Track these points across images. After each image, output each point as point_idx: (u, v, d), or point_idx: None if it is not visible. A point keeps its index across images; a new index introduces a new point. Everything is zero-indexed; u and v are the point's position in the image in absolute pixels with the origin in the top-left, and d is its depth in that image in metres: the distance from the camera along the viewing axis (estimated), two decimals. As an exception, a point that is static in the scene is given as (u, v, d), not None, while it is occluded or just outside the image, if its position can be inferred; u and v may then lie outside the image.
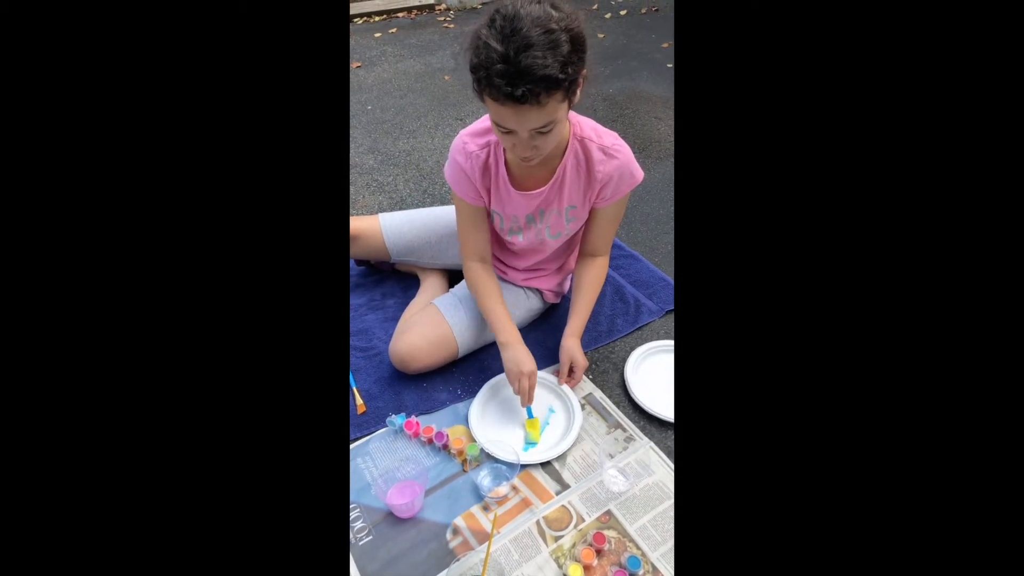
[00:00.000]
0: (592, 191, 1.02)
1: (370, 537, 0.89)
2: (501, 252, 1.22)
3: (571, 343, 1.08)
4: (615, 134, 1.01)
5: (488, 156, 1.01)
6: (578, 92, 0.84)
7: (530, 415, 1.03)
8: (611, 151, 0.99)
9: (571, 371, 1.08)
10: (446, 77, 2.66)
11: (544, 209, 1.05)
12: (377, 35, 3.28)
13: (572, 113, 0.99)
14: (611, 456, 0.99)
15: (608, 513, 0.91)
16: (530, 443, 1.02)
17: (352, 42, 3.16)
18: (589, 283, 1.13)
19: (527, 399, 1.02)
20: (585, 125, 1.00)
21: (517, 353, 1.03)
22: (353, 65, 2.84)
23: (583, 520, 0.90)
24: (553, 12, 0.76)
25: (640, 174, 1.02)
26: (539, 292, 1.25)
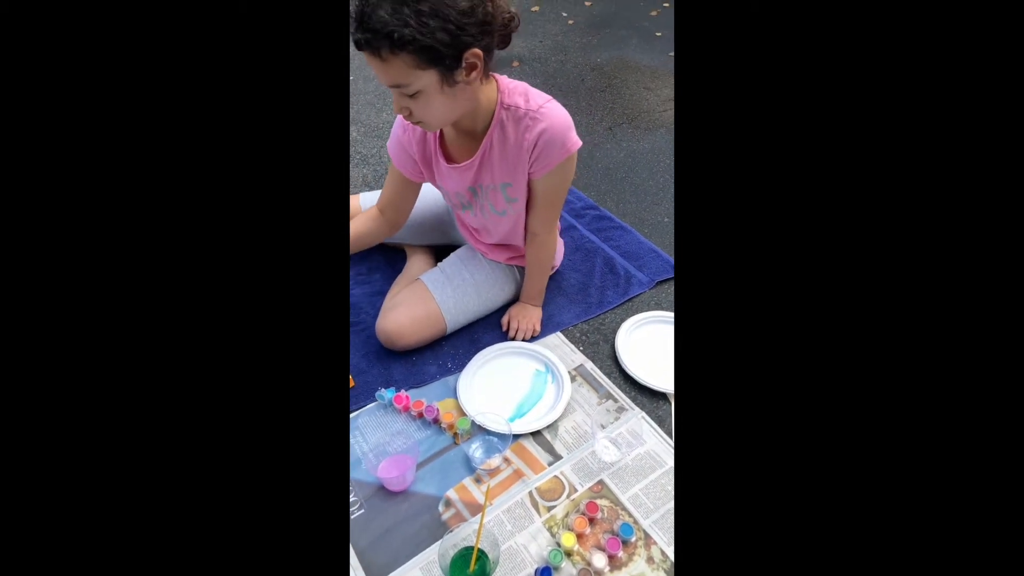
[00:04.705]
0: (523, 161, 0.96)
1: (362, 511, 0.88)
2: (477, 232, 1.19)
3: (513, 308, 1.19)
4: (549, 98, 0.94)
5: None
6: (472, 73, 0.81)
7: None
8: (537, 114, 0.91)
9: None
10: (430, 46, 2.58)
11: (482, 184, 1.02)
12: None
13: (505, 80, 0.94)
14: (603, 427, 0.99)
15: (600, 483, 0.91)
16: (519, 415, 1.01)
17: (331, 10, 3.04)
18: (530, 261, 1.14)
19: None
20: (516, 92, 0.93)
21: None
22: (333, 34, 2.74)
23: (575, 490, 0.90)
24: None
25: (574, 144, 0.94)
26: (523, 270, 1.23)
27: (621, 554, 0.82)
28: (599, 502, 0.88)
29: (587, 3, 3.02)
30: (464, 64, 0.80)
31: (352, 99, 2.13)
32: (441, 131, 1.00)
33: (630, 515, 0.87)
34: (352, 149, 1.82)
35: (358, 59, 2.47)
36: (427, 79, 0.79)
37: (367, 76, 2.30)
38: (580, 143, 0.95)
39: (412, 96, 0.82)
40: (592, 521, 0.85)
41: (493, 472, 0.93)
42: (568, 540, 0.82)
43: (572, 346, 1.15)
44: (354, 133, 1.91)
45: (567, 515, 0.87)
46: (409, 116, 0.86)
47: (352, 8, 0.75)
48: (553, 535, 0.85)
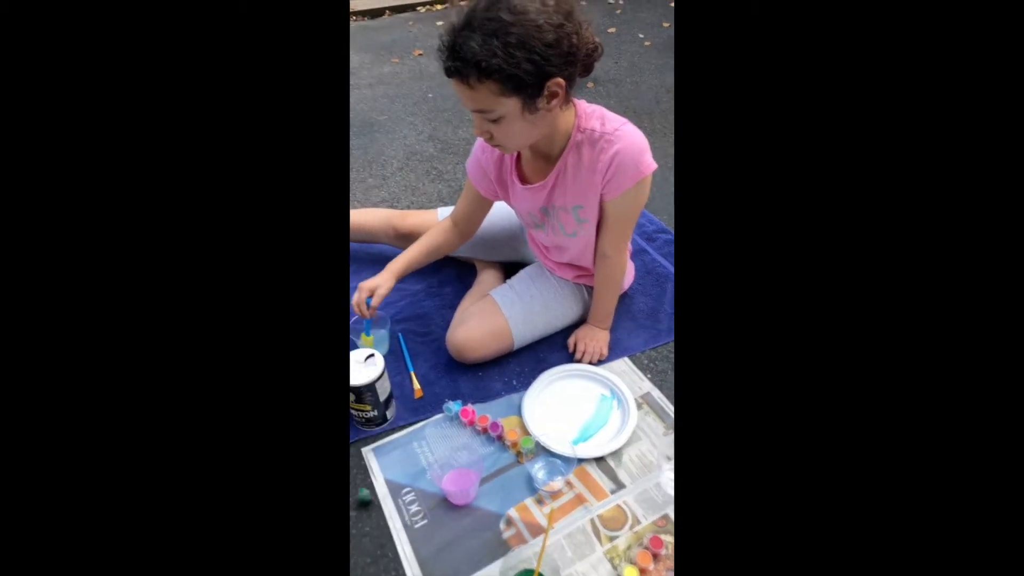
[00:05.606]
0: (595, 183, 0.97)
1: (425, 521, 0.90)
2: (548, 250, 1.20)
3: (580, 329, 1.18)
4: (625, 120, 0.95)
5: None
6: (553, 101, 0.84)
7: (367, 331, 1.12)
8: (612, 136, 0.93)
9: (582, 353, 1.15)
10: (506, 66, 2.64)
11: (554, 204, 1.03)
12: (439, 23, 3.29)
13: (583, 104, 0.95)
14: (669, 458, 0.96)
15: (665, 517, 0.88)
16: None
17: (415, 30, 3.19)
18: (599, 283, 1.14)
19: (357, 310, 1.08)
20: (593, 116, 0.95)
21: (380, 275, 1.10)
22: (414, 53, 2.87)
23: (639, 522, 0.88)
24: (538, 6, 0.77)
25: (649, 167, 0.94)
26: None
27: (685, 594, 0.79)
28: (664, 537, 0.85)
29: (665, 24, 3.00)
30: (546, 92, 0.83)
31: (430, 116, 2.21)
32: (518, 152, 1.03)
33: (696, 554, 0.84)
34: (429, 165, 1.88)
35: (438, 78, 2.57)
36: (510, 105, 0.82)
37: (445, 94, 2.38)
38: (655, 166, 0.95)
39: (494, 121, 0.85)
40: (656, 557, 0.83)
41: (555, 495, 0.92)
42: (630, 574, 0.80)
43: (639, 373, 1.13)
44: (431, 149, 1.98)
45: (629, 547, 0.85)
46: (490, 139, 0.90)
47: (443, 38, 0.80)
48: (614, 567, 0.83)
